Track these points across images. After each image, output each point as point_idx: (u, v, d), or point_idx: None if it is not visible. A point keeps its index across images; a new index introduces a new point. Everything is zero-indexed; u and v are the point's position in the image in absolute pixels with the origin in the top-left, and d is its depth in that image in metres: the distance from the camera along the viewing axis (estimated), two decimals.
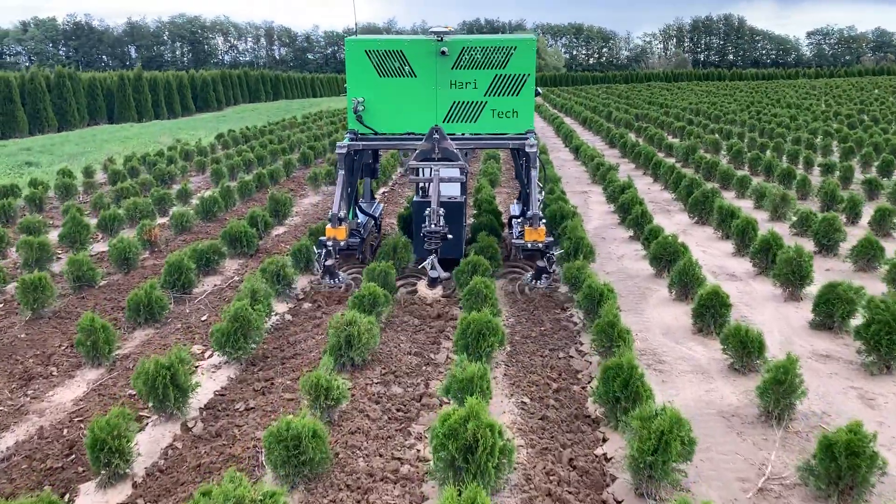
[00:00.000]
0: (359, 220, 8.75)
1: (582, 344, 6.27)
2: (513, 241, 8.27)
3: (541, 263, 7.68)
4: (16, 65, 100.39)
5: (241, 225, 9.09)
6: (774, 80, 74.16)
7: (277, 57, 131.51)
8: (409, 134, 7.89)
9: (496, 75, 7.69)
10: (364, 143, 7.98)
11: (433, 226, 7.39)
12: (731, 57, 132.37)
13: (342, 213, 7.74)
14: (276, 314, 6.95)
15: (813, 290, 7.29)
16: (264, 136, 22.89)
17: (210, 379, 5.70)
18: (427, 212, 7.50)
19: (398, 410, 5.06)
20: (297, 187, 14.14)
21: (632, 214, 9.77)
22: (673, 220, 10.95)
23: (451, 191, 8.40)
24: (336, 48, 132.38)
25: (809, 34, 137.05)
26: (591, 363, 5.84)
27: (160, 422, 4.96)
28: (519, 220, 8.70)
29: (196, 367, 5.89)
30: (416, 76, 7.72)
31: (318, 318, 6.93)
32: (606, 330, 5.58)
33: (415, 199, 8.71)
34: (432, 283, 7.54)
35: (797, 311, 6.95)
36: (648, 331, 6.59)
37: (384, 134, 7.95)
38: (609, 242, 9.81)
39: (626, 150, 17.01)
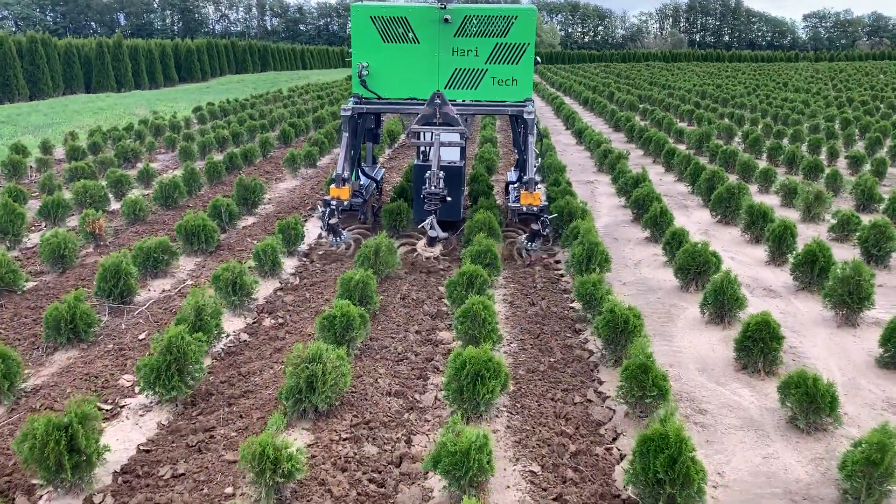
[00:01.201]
0: (361, 182, 8.87)
1: (601, 382, 5.10)
2: (509, 205, 8.44)
3: (535, 226, 7.85)
4: (1, 28, 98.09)
5: (199, 217, 7.83)
6: (775, 63, 72.79)
7: (269, 28, 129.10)
8: (411, 99, 8.07)
9: (497, 44, 7.87)
10: (368, 106, 8.18)
11: (433, 188, 7.58)
12: (726, 38, 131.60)
13: (346, 174, 8.00)
14: (228, 335, 5.73)
15: (874, 314, 6.16)
16: (245, 110, 21.51)
17: (135, 426, 4.49)
18: (427, 174, 7.70)
19: (371, 482, 3.88)
20: (273, 169, 12.85)
21: (649, 213, 8.58)
22: (692, 218, 9.76)
23: (451, 156, 8.69)
24: (329, 20, 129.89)
25: (806, 17, 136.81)
26: (614, 411, 4.67)
27: (57, 496, 3.77)
28: (515, 186, 8.82)
29: (120, 408, 4.69)
30: (419, 42, 7.91)
31: (280, 340, 5.72)
32: (638, 376, 4.39)
33: (416, 163, 9.01)
34: (431, 242, 7.83)
35: (856, 341, 5.79)
36: (681, 365, 5.41)
37: (387, 98, 8.15)
38: (622, 244, 8.61)
39: (633, 136, 15.77)
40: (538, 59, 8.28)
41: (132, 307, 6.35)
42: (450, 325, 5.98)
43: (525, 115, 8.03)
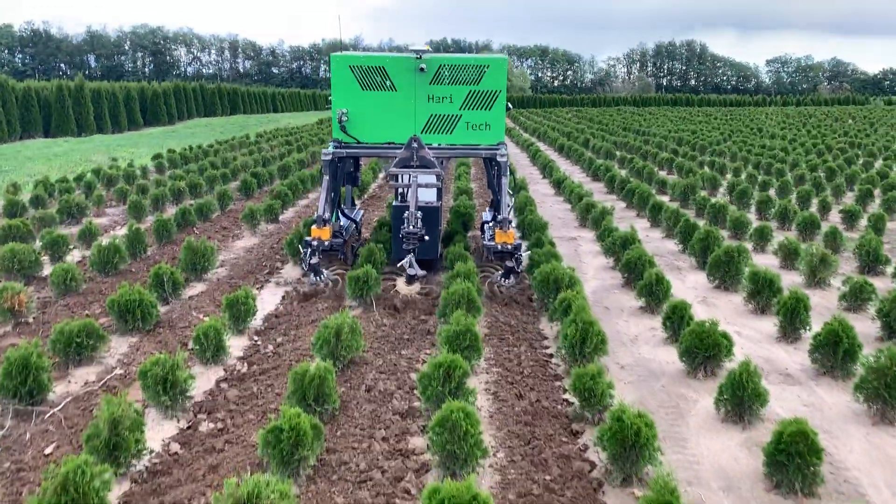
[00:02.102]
0: (341, 223, 9.34)
1: None
2: (484, 243, 8.78)
3: (509, 264, 8.27)
4: None
5: (135, 291, 6.83)
6: (744, 107, 73.75)
7: (241, 70, 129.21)
8: (389, 144, 8.46)
9: (470, 91, 8.34)
10: (347, 150, 8.57)
11: (411, 227, 7.92)
12: (692, 82, 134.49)
13: (326, 215, 8.26)
14: (152, 451, 4.71)
15: None
16: (207, 157, 20.55)
17: None
18: (406, 214, 8.05)
19: None
20: (231, 225, 11.87)
21: (643, 280, 7.75)
22: (687, 283, 8.97)
23: (428, 196, 9.03)
24: (301, 62, 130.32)
25: (768, 62, 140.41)
26: None
27: None
28: (490, 225, 9.15)
29: None
30: (396, 90, 8.32)
31: (218, 453, 4.72)
32: None
33: (394, 203, 9.30)
34: (410, 280, 8.10)
35: None
36: (699, 482, 4.51)
37: (367, 143, 8.54)
38: (615, 315, 7.76)
39: (614, 187, 15.07)
40: (510, 105, 8.83)
41: (44, 408, 5.30)
42: (423, 426, 5.03)
43: (498, 158, 8.53)
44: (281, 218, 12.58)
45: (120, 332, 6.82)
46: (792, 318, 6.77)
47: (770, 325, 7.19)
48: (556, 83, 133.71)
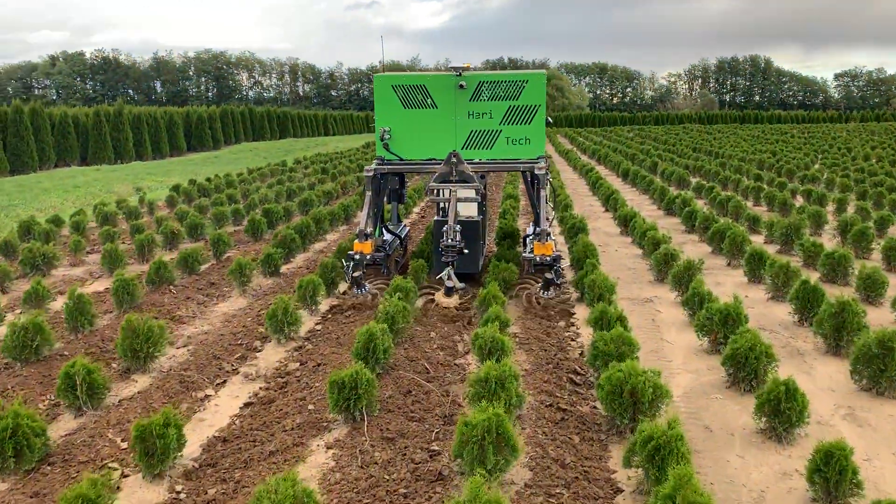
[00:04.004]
0: (384, 238, 9.37)
1: None
2: (523, 255, 8.70)
3: (549, 276, 8.21)
4: (43, 98, 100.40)
5: (9, 414, 4.62)
6: (819, 124, 69.28)
7: (301, 93, 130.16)
8: (430, 160, 8.71)
9: (510, 106, 8.57)
10: (389, 166, 8.84)
11: (450, 241, 8.04)
12: (756, 98, 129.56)
13: (368, 230, 8.45)
14: None
15: None
16: (230, 188, 18.59)
17: None
18: (444, 228, 8.16)
19: None
20: (221, 280, 9.66)
21: (764, 392, 5.16)
22: (816, 379, 6.30)
23: (469, 211, 9.19)
24: (360, 85, 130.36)
25: (837, 76, 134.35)
26: None
27: None
28: (531, 238, 9.11)
29: None
30: (437, 107, 8.63)
31: None
32: None
33: (435, 218, 9.49)
34: (448, 292, 8.15)
35: None
36: None
37: (408, 160, 8.80)
38: (722, 444, 5.18)
39: (695, 225, 12.38)
40: (550, 119, 8.88)
41: None
42: None
43: (536, 171, 8.61)
44: (285, 269, 10.35)
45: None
46: None
47: None
48: (614, 100, 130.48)
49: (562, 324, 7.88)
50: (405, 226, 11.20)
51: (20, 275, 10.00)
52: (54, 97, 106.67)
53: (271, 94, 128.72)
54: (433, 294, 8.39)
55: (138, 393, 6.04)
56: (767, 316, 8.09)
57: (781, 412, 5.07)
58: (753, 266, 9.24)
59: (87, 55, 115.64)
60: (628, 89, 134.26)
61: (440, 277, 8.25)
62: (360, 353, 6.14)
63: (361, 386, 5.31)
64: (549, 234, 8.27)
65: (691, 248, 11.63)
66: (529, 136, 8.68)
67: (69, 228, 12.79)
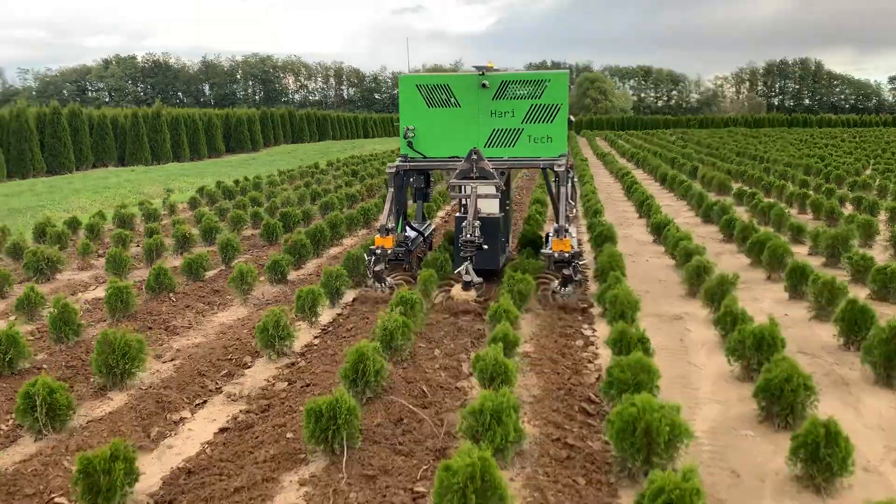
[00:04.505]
0: (406, 234, 9.49)
1: None
2: (542, 251, 8.72)
3: (567, 272, 8.19)
4: (96, 100, 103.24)
5: None
6: (870, 128, 66.81)
7: (345, 97, 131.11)
8: (453, 157, 8.92)
9: (532, 105, 8.78)
10: (412, 164, 9.11)
11: (468, 236, 8.12)
12: (806, 101, 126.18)
13: (390, 225, 8.64)
14: None
15: None
16: (255, 190, 18.28)
17: None
18: (464, 224, 8.30)
19: None
20: (224, 287, 9.23)
21: (801, 435, 4.47)
22: (864, 415, 5.56)
23: (491, 208, 9.23)
24: None
25: (892, 79, 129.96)
26: None
27: None
28: (550, 235, 8.94)
29: None
30: (460, 106, 8.91)
31: None
32: None
33: (456, 215, 9.62)
34: (466, 286, 8.22)
35: None
36: None
37: (432, 158, 9.13)
38: (750, 490, 4.49)
39: (734, 234, 11.58)
40: (572, 118, 9.05)
41: None
42: None
43: (556, 168, 8.75)
44: (295, 276, 9.89)
45: None
46: None
47: None
48: (659, 103, 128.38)
49: (579, 343, 7.23)
50: (430, 223, 11.20)
51: (24, 279, 9.72)
52: (107, 99, 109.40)
53: (316, 98, 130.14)
54: (450, 287, 8.47)
55: (110, 414, 5.59)
56: (809, 338, 7.32)
57: (821, 458, 4.37)
58: (795, 281, 8.46)
59: (139, 59, 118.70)
60: (673, 92, 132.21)
61: (458, 272, 8.34)
62: (348, 376, 5.61)
63: (341, 415, 4.76)
64: (567, 231, 8.30)
65: (728, 259, 10.84)
66: (551, 134, 8.79)
67: (84, 231, 12.53)
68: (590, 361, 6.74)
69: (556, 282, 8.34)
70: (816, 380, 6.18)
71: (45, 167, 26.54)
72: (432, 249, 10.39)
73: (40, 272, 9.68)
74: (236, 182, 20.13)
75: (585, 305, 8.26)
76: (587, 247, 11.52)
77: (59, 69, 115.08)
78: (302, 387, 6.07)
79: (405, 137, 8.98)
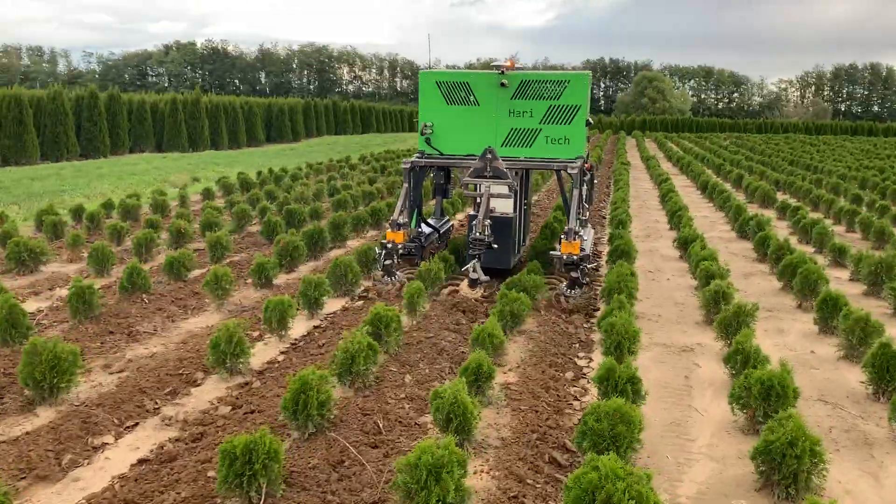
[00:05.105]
0: (420, 230, 9.46)
1: None
2: (551, 253, 8.52)
3: (575, 274, 8.23)
4: (156, 85, 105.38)
5: None
6: None
7: (399, 89, 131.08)
8: (469, 155, 8.86)
9: (550, 105, 8.70)
10: (427, 160, 9.15)
11: (478, 234, 8.20)
12: (875, 108, 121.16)
13: (402, 220, 8.65)
14: None
15: None
16: (273, 183, 17.84)
17: None
18: (474, 221, 8.39)
19: None
20: (204, 291, 8.68)
21: None
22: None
23: (505, 207, 9.32)
24: None
25: None
26: None
27: None
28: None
29: None
30: (479, 105, 8.87)
31: None
32: None
33: (470, 213, 10.00)
34: (472, 284, 8.32)
35: None
36: None
37: (448, 155, 9.11)
38: None
39: (768, 253, 10.59)
40: (590, 120, 8.96)
41: None
42: None
43: (569, 170, 8.66)
44: (285, 279, 9.32)
45: None
46: None
47: None
48: (719, 105, 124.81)
49: (569, 375, 6.48)
50: (448, 220, 11.15)
51: (4, 270, 9.36)
52: (166, 85, 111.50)
53: (370, 89, 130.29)
54: (458, 284, 8.57)
55: (27, 434, 5.06)
56: (834, 382, 6.42)
57: None
58: (826, 313, 7.52)
59: (199, 45, 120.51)
60: (734, 94, 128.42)
61: (465, 270, 8.38)
62: (287, 407, 4.98)
63: (258, 459, 4.14)
64: (577, 233, 8.21)
65: (758, 282, 9.89)
66: (569, 135, 8.72)
67: (85, 220, 12.19)
68: (576, 399, 5.99)
69: (564, 284, 8.46)
70: (835, 436, 5.37)
71: (79, 150, 26.66)
72: (447, 247, 10.37)
73: (22, 264, 9.30)
74: (258, 174, 19.73)
75: (591, 309, 8.30)
76: (604, 259, 10.70)
77: (122, 53, 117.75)
78: (246, 413, 5.46)
79: (422, 133, 9.02)
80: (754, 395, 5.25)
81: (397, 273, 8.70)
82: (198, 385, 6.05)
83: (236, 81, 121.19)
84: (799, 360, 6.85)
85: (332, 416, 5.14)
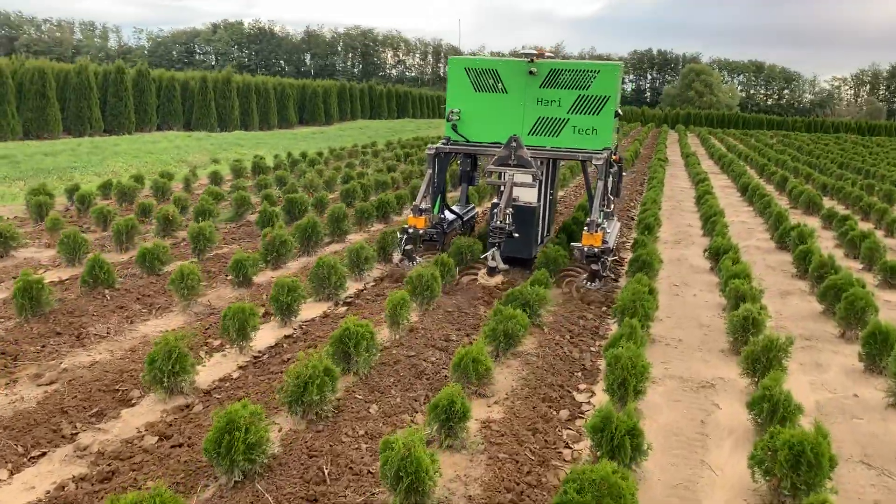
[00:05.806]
0: (442, 216, 9.45)
1: None
2: (572, 244, 8.45)
3: (595, 267, 8.22)
4: (203, 63, 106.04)
5: None
6: None
7: (441, 74, 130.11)
8: (495, 143, 8.82)
9: (579, 95, 8.63)
10: (451, 147, 9.16)
11: (498, 222, 8.11)
12: None
13: (424, 206, 8.62)
14: None
15: None
16: (287, 168, 17.08)
17: None
18: (496, 210, 8.28)
19: None
20: (176, 289, 7.90)
21: None
22: None
23: (529, 196, 9.10)
24: None
25: None
26: None
27: None
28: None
29: None
30: (507, 92, 8.84)
31: None
32: None
33: (493, 201, 9.19)
34: (491, 272, 8.27)
35: None
36: None
37: (474, 142, 9.10)
38: None
39: (808, 270, 9.48)
40: (619, 111, 8.88)
41: None
42: None
43: (594, 162, 8.63)
44: (269, 277, 8.52)
45: None
46: None
47: None
48: (769, 102, 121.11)
49: (564, 414, 5.55)
50: (473, 207, 11.14)
51: None
52: (213, 63, 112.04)
53: (413, 74, 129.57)
54: (476, 272, 8.54)
55: None
56: (880, 438, 5.38)
57: None
58: (873, 349, 6.46)
59: (246, 25, 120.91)
60: (785, 91, 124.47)
61: (484, 257, 8.35)
62: (209, 449, 4.16)
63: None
64: (599, 225, 8.12)
65: (797, 302, 8.81)
66: (597, 126, 8.64)
67: (75, 202, 11.56)
68: (567, 446, 5.07)
69: (583, 276, 8.49)
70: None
71: (104, 126, 26.27)
72: (473, 233, 10.24)
73: None
74: (275, 157, 19.02)
75: (609, 303, 8.07)
76: (623, 269, 9.70)
77: (170, 30, 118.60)
78: (173, 447, 4.66)
79: (448, 120, 9.02)
80: (780, 461, 4.27)
81: (417, 258, 8.75)
82: (132, 405, 5.27)
83: (282, 62, 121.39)
84: (839, 407, 5.83)
85: (263, 461, 4.31)
